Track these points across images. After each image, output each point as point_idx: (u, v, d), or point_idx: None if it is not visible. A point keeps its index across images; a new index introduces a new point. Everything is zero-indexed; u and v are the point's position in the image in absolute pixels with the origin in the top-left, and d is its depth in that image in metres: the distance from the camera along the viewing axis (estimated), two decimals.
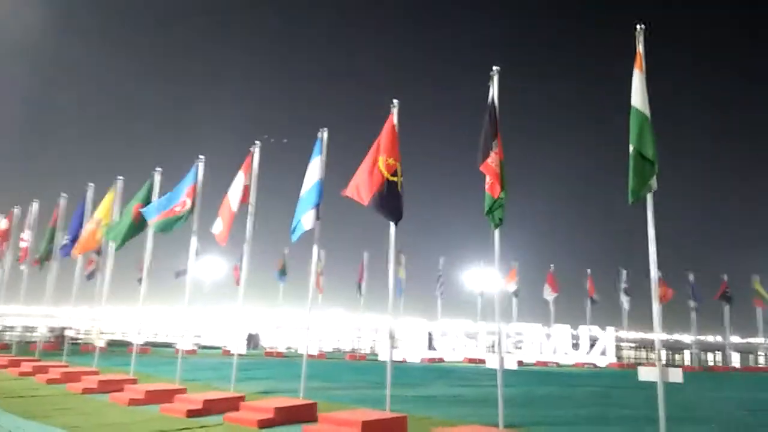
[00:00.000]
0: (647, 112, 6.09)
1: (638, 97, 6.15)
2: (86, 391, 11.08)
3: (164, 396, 9.91)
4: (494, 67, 7.70)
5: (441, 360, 27.32)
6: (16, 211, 20.37)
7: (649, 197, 6.18)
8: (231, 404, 9.14)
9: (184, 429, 7.85)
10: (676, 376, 5.92)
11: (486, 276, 31.29)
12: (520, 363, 27.39)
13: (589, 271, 29.99)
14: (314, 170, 9.79)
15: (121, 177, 14.78)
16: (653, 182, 6.04)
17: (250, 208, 10.84)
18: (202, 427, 8.03)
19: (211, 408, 8.90)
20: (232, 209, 10.73)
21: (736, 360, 34.35)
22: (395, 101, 8.80)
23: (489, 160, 7.24)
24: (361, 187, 8.32)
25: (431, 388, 14.30)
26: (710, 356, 37.56)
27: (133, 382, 11.61)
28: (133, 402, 9.78)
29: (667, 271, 28.44)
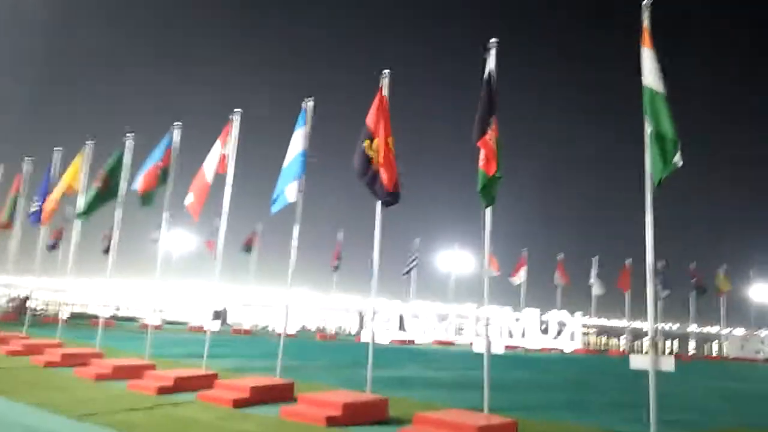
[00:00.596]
0: (661, 89, 5.86)
1: (649, 75, 5.93)
2: (49, 364, 10.60)
3: (133, 371, 9.52)
4: (492, 39, 7.38)
5: (411, 342, 27.28)
6: None
7: (649, 186, 5.94)
8: (204, 382, 8.81)
9: (155, 406, 7.51)
10: (668, 364, 5.80)
11: (460, 258, 31.35)
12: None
13: (560, 256, 30.10)
14: (298, 141, 9.41)
15: (90, 141, 14.04)
16: (678, 159, 5.80)
17: (228, 179, 10.38)
18: (173, 404, 7.69)
19: (182, 385, 8.55)
20: (207, 180, 10.25)
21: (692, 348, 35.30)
22: (386, 71, 8.45)
23: (486, 137, 6.97)
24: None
25: (405, 370, 14.16)
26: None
27: (99, 356, 11.16)
28: (100, 377, 9.37)
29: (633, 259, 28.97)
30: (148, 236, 26.66)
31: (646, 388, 5.56)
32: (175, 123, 11.51)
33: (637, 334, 34.27)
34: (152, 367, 9.96)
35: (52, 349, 11.52)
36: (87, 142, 14.02)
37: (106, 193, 11.67)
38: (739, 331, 33.92)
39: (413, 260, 28.47)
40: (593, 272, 29.62)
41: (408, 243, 29.84)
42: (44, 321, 24.48)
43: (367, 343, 7.79)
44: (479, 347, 6.90)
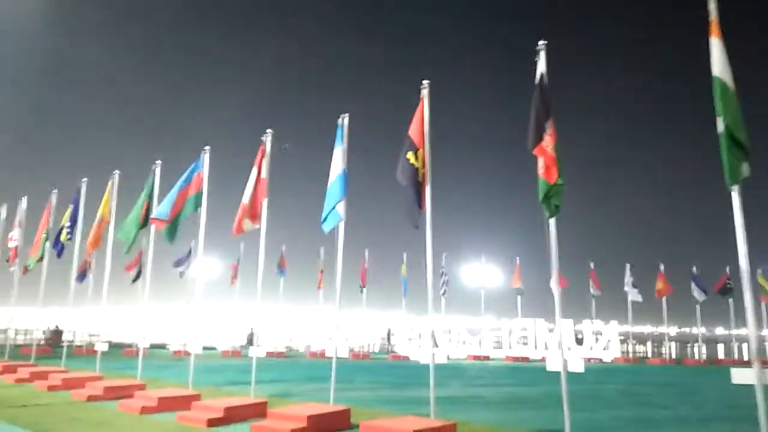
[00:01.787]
0: (731, 83, 5.43)
1: (718, 65, 5.53)
2: (92, 398, 10.35)
3: (179, 403, 9.23)
4: (540, 42, 7.08)
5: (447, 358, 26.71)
6: (3, 209, 19.49)
7: (735, 190, 5.42)
8: (255, 411, 8.50)
9: None
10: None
11: (487, 271, 30.87)
12: (525, 359, 26.99)
13: (591, 264, 29.44)
14: (338, 159, 9.13)
15: (117, 171, 13.94)
16: (746, 169, 5.25)
17: (265, 202, 10.12)
18: None
19: (233, 416, 8.23)
20: (244, 202, 9.98)
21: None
22: (425, 82, 8.19)
23: (543, 143, 6.63)
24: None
25: (450, 389, 13.69)
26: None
27: (141, 387, 10.89)
28: (146, 410, 9.08)
29: (667, 265, 28.23)
30: (173, 263, 26.67)
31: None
32: (205, 147, 11.33)
33: (683, 341, 33.30)
34: (197, 397, 9.66)
35: (93, 382, 11.27)
36: (114, 172, 13.94)
37: (145, 222, 11.56)
38: None
39: (443, 275, 28.04)
40: (627, 279, 28.87)
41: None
42: (76, 352, 24.43)
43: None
44: (554, 365, 6.45)
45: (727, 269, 28.99)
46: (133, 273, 23.67)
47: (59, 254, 15.14)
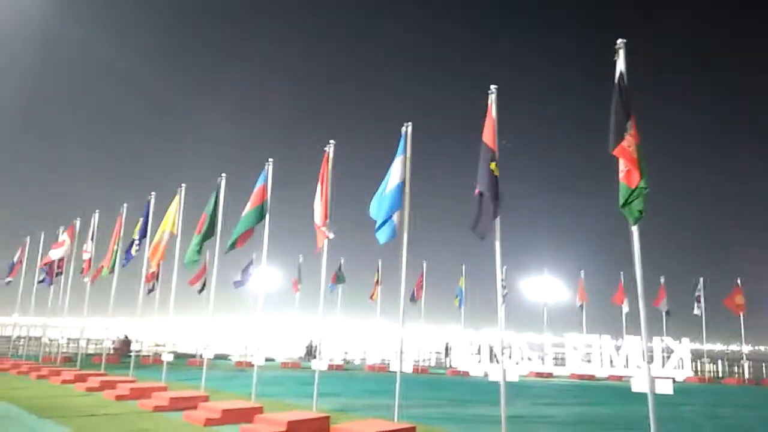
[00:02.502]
0: None
1: None
2: (158, 408, 10.47)
3: (242, 415, 9.19)
4: (619, 40, 6.70)
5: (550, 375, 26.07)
6: (78, 222, 20.24)
7: None
8: (317, 426, 8.34)
9: None
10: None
11: (549, 285, 29.95)
12: (591, 377, 25.89)
13: (662, 279, 28.07)
14: (397, 169, 8.92)
15: (183, 184, 14.29)
16: None
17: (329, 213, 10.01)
18: None
19: (295, 431, 8.08)
20: (316, 221, 9.87)
21: None
22: (493, 87, 7.91)
23: (624, 143, 6.22)
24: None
25: (515, 407, 13.15)
26: None
27: (205, 399, 10.94)
28: (210, 422, 9.07)
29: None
30: (233, 282, 27.12)
31: None
32: (269, 159, 11.39)
33: (759, 360, 31.26)
34: (260, 409, 9.60)
35: (159, 393, 11.42)
36: (182, 185, 14.27)
37: (206, 233, 11.69)
38: None
39: (503, 289, 27.31)
40: (697, 293, 27.41)
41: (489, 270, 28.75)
42: (143, 362, 25.08)
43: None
44: (640, 385, 5.96)
45: None
46: (198, 285, 24.18)
47: (125, 264, 15.59)
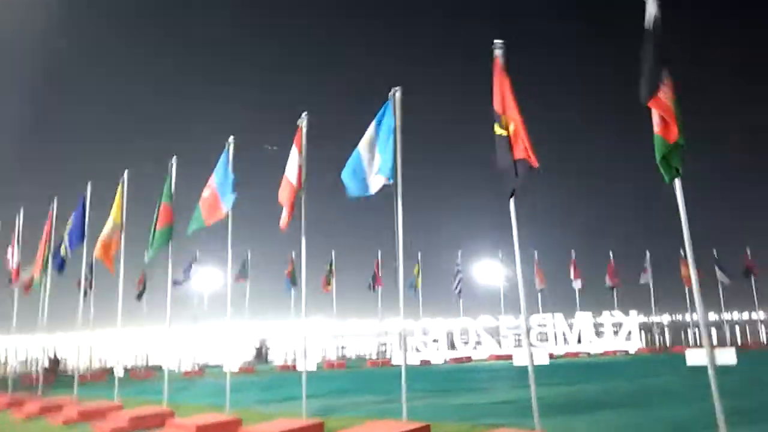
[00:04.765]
0: None
1: None
2: (117, 431, 9.13)
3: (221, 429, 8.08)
4: None
5: (468, 359, 25.68)
6: None
7: None
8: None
9: None
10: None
11: (503, 268, 29.83)
12: (551, 356, 25.97)
13: (611, 254, 28.57)
14: (384, 136, 8.05)
15: (126, 170, 12.72)
16: None
17: (302, 194, 8.99)
18: None
19: None
20: (294, 186, 8.85)
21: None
22: (498, 41, 7.14)
23: (661, 94, 5.59)
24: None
25: (501, 393, 12.61)
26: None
27: (171, 415, 9.70)
28: None
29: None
30: (173, 277, 25.28)
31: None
32: (230, 138, 10.19)
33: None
34: (239, 422, 8.52)
35: (114, 413, 10.06)
36: (125, 171, 12.74)
37: (166, 227, 10.38)
38: None
39: (458, 274, 26.99)
40: (646, 268, 28.10)
41: (444, 256, 28.43)
42: (81, 380, 22.95)
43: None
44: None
45: (748, 251, 28.36)
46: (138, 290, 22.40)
47: (59, 270, 13.87)
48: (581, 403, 10.18)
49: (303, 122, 9.30)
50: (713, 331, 34.84)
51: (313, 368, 22.00)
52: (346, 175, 8.19)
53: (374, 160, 8.09)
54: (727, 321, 30.33)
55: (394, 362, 25.67)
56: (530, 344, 6.87)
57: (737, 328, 40.61)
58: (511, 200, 6.76)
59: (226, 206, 9.52)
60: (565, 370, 17.96)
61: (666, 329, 42.83)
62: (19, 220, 16.17)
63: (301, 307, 9.19)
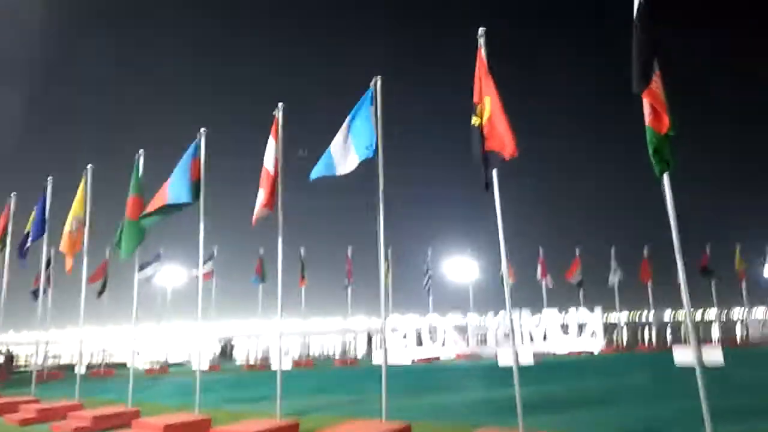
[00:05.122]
0: None
1: None
2: (79, 430, 8.66)
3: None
4: None
5: (436, 359, 25.57)
6: None
7: None
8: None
9: None
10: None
11: (472, 265, 29.80)
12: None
13: (577, 251, 28.81)
14: (362, 118, 7.87)
15: (90, 165, 12.23)
16: None
17: (279, 187, 8.69)
18: None
19: None
20: (271, 173, 8.56)
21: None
22: (481, 30, 7.01)
23: (653, 85, 5.52)
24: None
25: (479, 392, 12.52)
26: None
27: (136, 414, 9.26)
28: None
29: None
30: (138, 268, 24.49)
31: None
32: (202, 129, 9.81)
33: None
34: (208, 422, 8.17)
35: (75, 413, 9.57)
36: (88, 166, 12.23)
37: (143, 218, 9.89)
38: (761, 312, 33.06)
39: (427, 271, 26.88)
40: (613, 264, 28.42)
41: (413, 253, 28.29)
42: (38, 378, 22.07)
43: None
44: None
45: (707, 249, 28.87)
46: (97, 286, 21.57)
47: (23, 263, 13.30)
48: (563, 402, 10.15)
49: (279, 113, 9.01)
50: (669, 330, 35.65)
51: (289, 367, 21.60)
52: (316, 169, 7.97)
53: (347, 144, 7.87)
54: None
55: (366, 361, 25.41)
56: (514, 343, 6.72)
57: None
58: (495, 193, 6.62)
59: (175, 198, 9.17)
60: (549, 369, 18.04)
61: (624, 328, 43.54)
62: None
63: (277, 304, 8.88)
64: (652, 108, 5.55)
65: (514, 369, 6.13)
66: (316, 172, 7.96)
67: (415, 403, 10.74)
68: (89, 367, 25.01)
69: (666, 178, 5.58)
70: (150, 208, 9.28)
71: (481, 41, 6.97)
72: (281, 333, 9.19)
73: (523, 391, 5.68)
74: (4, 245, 13.54)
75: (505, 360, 5.39)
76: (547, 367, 19.07)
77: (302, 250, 26.69)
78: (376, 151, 7.71)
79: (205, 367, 21.36)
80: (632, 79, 5.62)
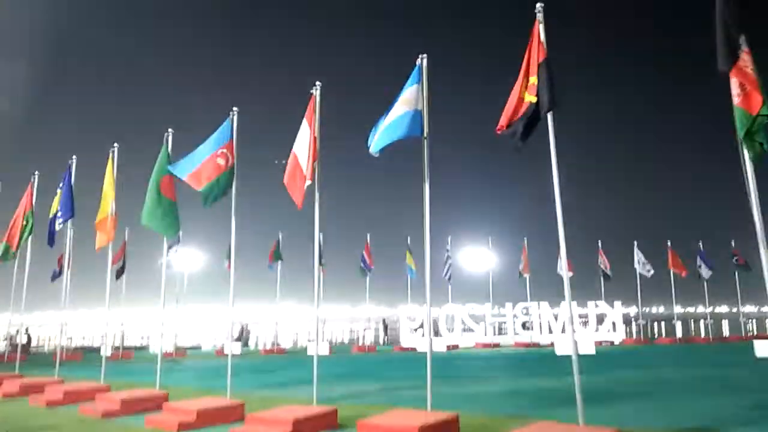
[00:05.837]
0: None
1: None
2: (107, 414, 8.46)
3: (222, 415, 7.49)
4: None
5: (455, 347, 25.34)
6: None
7: None
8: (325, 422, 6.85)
9: None
10: None
11: (491, 255, 29.46)
12: (536, 344, 25.77)
13: (600, 243, 28.36)
14: (410, 97, 7.50)
15: (116, 144, 11.98)
16: None
17: (317, 167, 8.35)
18: None
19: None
20: (301, 166, 8.24)
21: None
22: (539, 5, 6.62)
23: (740, 62, 5.13)
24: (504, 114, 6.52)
25: (485, 384, 12.20)
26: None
27: (164, 398, 9.05)
28: (183, 426, 7.29)
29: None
30: (160, 258, 24.42)
31: None
32: (233, 108, 9.50)
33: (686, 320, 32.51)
34: (241, 407, 7.94)
35: (103, 395, 9.37)
36: (114, 145, 11.97)
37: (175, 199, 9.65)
38: None
39: (447, 260, 26.53)
40: (637, 258, 27.92)
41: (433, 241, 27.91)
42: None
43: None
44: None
45: (732, 243, 28.36)
46: (117, 267, 21.44)
47: (52, 244, 13.09)
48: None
49: (317, 91, 8.68)
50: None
51: (326, 352, 21.43)
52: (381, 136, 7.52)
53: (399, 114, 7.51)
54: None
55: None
56: (574, 331, 6.38)
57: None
58: (555, 185, 6.25)
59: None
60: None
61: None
62: None
63: (314, 289, 8.61)
64: (741, 87, 5.16)
65: (574, 359, 5.79)
66: (378, 144, 7.47)
67: (457, 392, 10.49)
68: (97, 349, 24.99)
69: (750, 168, 5.20)
70: (206, 179, 8.89)
71: (540, 17, 6.60)
72: (323, 319, 8.93)
73: (564, 381, 5.40)
74: (31, 227, 13.34)
75: (563, 349, 5.05)
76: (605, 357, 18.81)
77: (320, 237, 26.40)
78: (421, 130, 7.39)
79: (237, 351, 21.30)
80: (717, 56, 5.24)
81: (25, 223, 13.34)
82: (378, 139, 7.31)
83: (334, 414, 7.35)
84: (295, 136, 8.65)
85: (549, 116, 6.24)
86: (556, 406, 8.38)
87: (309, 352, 20.48)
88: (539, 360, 18.18)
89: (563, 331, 27.53)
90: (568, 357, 5.90)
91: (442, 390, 10.24)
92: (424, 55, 7.73)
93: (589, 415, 5.71)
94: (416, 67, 7.66)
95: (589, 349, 15.38)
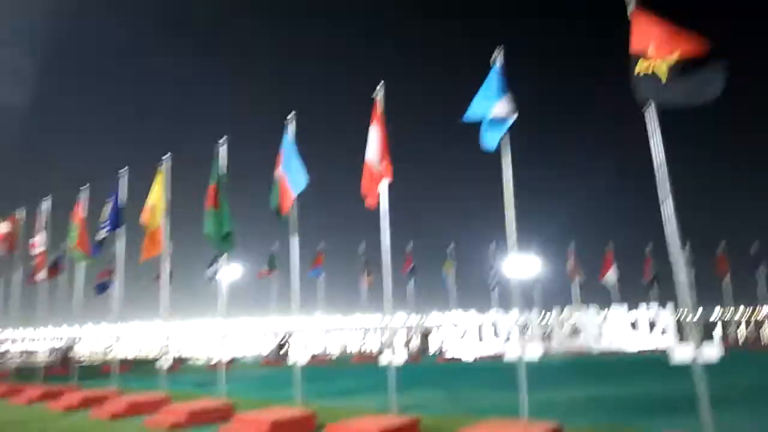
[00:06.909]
0: None
1: None
2: (174, 426, 8.21)
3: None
4: None
5: (500, 356, 24.70)
6: (22, 213, 17.03)
7: None
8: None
9: None
10: None
11: (530, 261, 28.74)
12: (586, 352, 24.96)
13: (649, 248, 27.45)
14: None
15: (169, 153, 11.89)
16: None
17: (388, 168, 8.01)
18: None
19: None
20: (373, 168, 7.97)
21: None
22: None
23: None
24: None
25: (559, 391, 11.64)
26: None
27: (229, 409, 8.76)
28: None
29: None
30: (204, 273, 24.45)
31: None
32: (291, 113, 9.27)
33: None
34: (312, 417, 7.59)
35: (167, 407, 9.15)
36: (167, 154, 11.89)
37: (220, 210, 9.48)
38: None
39: (492, 267, 25.93)
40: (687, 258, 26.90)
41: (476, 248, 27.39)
42: (104, 371, 22.10)
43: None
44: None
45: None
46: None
47: (95, 253, 13.07)
48: None
49: (379, 95, 8.39)
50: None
51: (401, 362, 20.99)
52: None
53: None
54: None
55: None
56: (697, 338, 5.88)
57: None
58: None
59: (295, 191, 8.71)
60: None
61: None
62: (43, 210, 15.33)
63: (384, 299, 8.28)
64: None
65: (696, 366, 5.30)
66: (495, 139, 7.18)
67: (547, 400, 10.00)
68: (151, 361, 25.07)
69: None
70: (284, 209, 8.82)
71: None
72: (395, 328, 8.55)
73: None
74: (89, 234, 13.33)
75: (682, 356, 4.65)
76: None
77: (363, 246, 26.21)
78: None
79: (305, 360, 21.07)
80: None
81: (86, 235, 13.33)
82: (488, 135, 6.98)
83: (416, 424, 6.96)
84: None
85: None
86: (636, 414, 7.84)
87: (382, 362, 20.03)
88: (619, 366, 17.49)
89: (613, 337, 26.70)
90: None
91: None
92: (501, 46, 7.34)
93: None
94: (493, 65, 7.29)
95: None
